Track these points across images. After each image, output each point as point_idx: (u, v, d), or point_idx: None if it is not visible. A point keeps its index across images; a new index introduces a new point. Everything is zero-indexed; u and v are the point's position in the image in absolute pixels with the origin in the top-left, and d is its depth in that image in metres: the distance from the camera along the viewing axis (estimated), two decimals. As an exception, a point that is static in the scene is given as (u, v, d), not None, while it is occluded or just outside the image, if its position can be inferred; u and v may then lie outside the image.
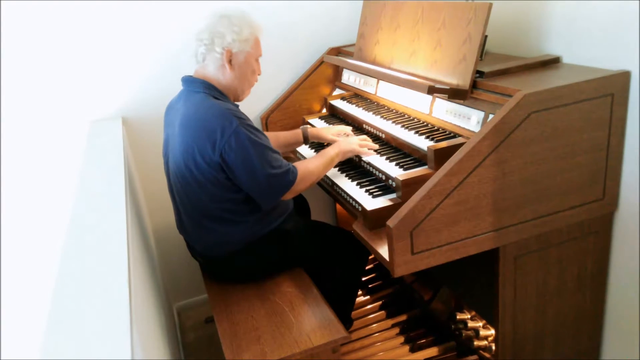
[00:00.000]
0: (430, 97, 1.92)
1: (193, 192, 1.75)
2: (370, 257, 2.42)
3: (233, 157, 1.65)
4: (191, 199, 1.78)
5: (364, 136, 2.03)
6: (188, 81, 1.82)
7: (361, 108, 2.27)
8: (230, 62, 1.78)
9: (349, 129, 2.16)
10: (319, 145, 2.27)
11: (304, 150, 2.30)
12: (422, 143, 1.77)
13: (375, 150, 1.94)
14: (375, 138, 2.06)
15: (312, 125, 2.41)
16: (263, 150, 1.68)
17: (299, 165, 1.80)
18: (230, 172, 1.68)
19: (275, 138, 2.20)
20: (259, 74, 1.90)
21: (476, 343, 1.97)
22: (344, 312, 2.10)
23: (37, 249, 2.31)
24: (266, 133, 2.16)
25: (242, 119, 1.68)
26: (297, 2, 2.48)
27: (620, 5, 1.52)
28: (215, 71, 1.79)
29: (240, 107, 1.82)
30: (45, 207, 2.28)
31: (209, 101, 1.72)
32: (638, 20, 1.48)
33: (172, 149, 1.81)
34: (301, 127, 2.25)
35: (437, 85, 1.72)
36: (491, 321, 1.89)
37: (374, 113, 2.17)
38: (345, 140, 1.97)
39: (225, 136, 1.63)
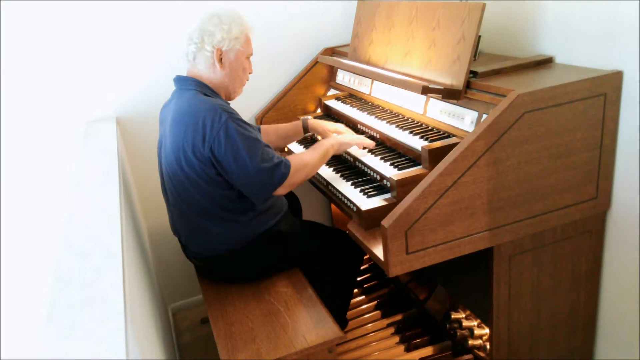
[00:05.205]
0: (424, 97, 1.92)
1: (185, 190, 1.75)
2: (365, 257, 2.42)
3: (223, 151, 1.64)
4: (184, 197, 1.78)
5: (361, 136, 2.03)
6: (180, 80, 1.82)
7: (356, 108, 2.27)
8: (220, 60, 1.78)
9: (346, 128, 2.14)
10: (309, 142, 2.28)
11: (294, 146, 2.32)
12: (417, 143, 1.78)
13: (371, 150, 1.94)
14: (369, 138, 2.06)
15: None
16: (253, 144, 1.67)
17: (293, 157, 1.78)
18: (220, 166, 1.67)
19: (275, 130, 2.21)
20: (250, 73, 1.90)
21: (471, 342, 1.97)
22: (340, 312, 2.10)
23: (33, 250, 2.30)
24: (265, 126, 2.19)
25: (232, 114, 1.69)
26: (292, 2, 2.48)
27: (613, 5, 1.53)
28: (206, 70, 1.80)
29: (235, 107, 1.82)
30: (40, 208, 2.28)
31: (199, 97, 1.73)
32: (630, 21, 1.49)
33: (164, 147, 1.81)
34: (302, 117, 2.25)
35: (431, 86, 1.73)
36: (486, 320, 1.89)
37: (368, 113, 2.17)
38: (341, 134, 1.97)
39: (214, 130, 1.63)
